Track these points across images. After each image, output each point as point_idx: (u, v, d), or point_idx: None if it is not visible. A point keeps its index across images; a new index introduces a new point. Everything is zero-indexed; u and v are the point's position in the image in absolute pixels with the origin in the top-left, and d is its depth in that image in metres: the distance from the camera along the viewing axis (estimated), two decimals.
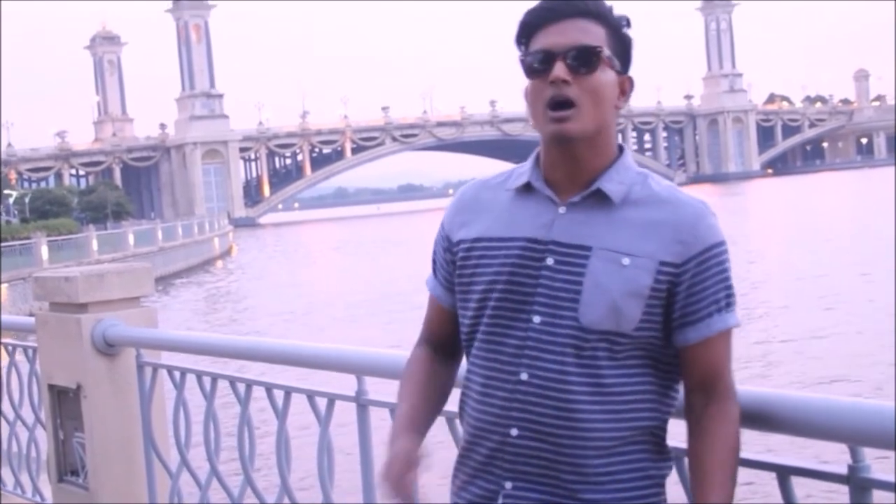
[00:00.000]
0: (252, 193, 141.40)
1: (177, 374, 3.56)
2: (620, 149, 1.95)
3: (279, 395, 3.04)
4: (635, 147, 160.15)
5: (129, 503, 3.80)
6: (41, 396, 4.17)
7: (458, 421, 2.09)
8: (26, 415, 4.45)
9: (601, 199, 1.88)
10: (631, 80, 1.95)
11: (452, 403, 2.10)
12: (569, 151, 1.89)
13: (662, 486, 1.91)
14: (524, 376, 1.86)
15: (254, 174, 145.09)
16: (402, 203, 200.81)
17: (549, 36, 1.88)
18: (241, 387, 3.21)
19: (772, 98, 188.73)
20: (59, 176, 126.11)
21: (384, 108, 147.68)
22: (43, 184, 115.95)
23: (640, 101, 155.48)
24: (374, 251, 55.34)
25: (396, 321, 23.35)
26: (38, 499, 4.44)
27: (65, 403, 3.95)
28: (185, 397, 3.54)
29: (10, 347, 4.58)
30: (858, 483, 1.80)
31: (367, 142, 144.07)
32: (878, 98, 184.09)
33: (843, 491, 1.82)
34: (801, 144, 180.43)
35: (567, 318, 1.84)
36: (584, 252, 1.85)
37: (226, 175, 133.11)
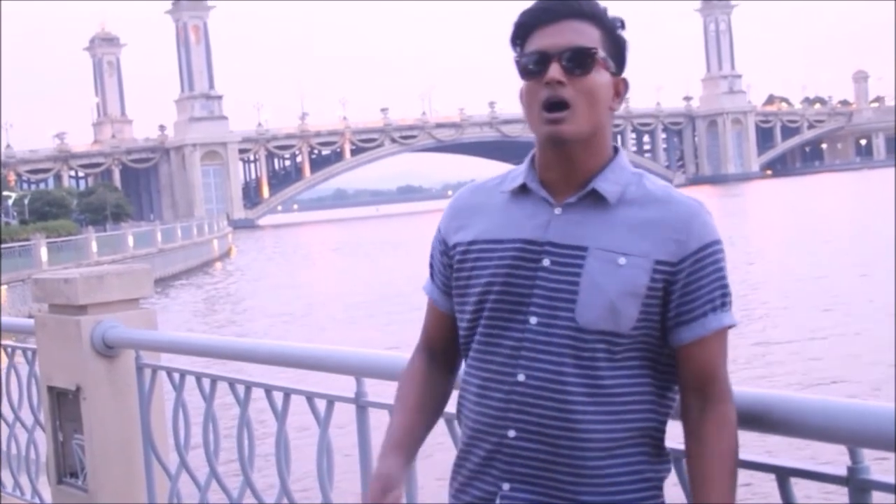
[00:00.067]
0: (251, 195, 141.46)
1: (176, 376, 3.56)
2: (615, 149, 1.96)
3: (278, 396, 3.05)
4: (634, 148, 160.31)
5: None
6: (40, 398, 4.17)
7: (457, 422, 2.09)
8: (26, 416, 4.45)
9: (597, 200, 1.89)
10: (625, 82, 1.95)
11: (452, 404, 2.10)
12: (564, 153, 1.89)
13: (660, 488, 1.90)
14: (521, 377, 1.86)
15: (253, 176, 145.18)
16: (401, 204, 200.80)
17: (544, 37, 1.89)
18: (241, 388, 3.21)
19: (771, 99, 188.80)
20: (58, 177, 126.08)
21: (383, 110, 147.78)
22: (42, 185, 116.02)
23: (639, 102, 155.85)
24: (374, 252, 55.34)
25: (395, 322, 23.36)
26: (37, 500, 4.44)
27: (64, 405, 3.95)
28: (185, 399, 3.54)
29: (9, 349, 4.58)
30: (858, 484, 1.80)
31: (366, 143, 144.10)
32: (877, 99, 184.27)
33: (842, 492, 1.82)
34: (800, 146, 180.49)
35: (564, 318, 1.84)
36: (580, 252, 1.86)
37: (225, 177, 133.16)
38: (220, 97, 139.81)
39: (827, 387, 14.13)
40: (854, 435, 1.77)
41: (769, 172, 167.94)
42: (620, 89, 1.94)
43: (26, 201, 70.62)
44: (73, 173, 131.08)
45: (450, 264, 2.02)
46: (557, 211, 1.90)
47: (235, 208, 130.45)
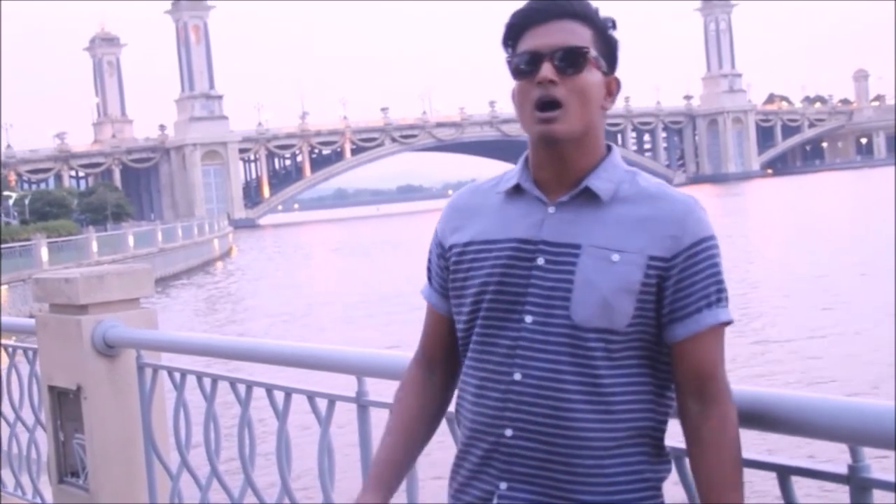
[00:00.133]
0: (252, 195, 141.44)
1: (177, 375, 3.56)
2: (609, 148, 1.96)
3: (279, 395, 3.05)
4: (635, 147, 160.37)
5: None
6: (41, 398, 4.17)
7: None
8: (27, 416, 4.45)
9: (590, 198, 1.89)
10: (617, 81, 1.96)
11: (453, 404, 2.10)
12: (556, 152, 1.90)
13: (659, 488, 1.90)
14: (517, 376, 1.86)
15: (253, 175, 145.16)
16: (401, 204, 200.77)
17: (536, 37, 1.90)
18: (242, 388, 3.21)
19: (771, 98, 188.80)
20: (58, 177, 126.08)
21: (383, 109, 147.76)
22: (42, 185, 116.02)
23: (639, 101, 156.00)
24: (374, 252, 55.35)
25: (396, 322, 23.35)
26: (38, 500, 4.44)
27: (65, 405, 3.95)
28: (186, 398, 3.54)
29: (10, 349, 4.59)
30: (859, 483, 1.79)
31: (366, 143, 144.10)
32: (878, 98, 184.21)
33: (843, 491, 1.82)
34: (800, 144, 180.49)
35: (559, 316, 1.85)
36: (573, 250, 1.86)
37: (225, 176, 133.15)
38: (220, 97, 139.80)
39: (826, 385, 14.13)
40: (855, 433, 1.77)
41: (770, 171, 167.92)
42: (612, 88, 1.95)
43: (27, 201, 70.62)
44: (73, 173, 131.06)
45: (447, 266, 2.03)
46: (551, 210, 1.91)
47: (236, 208, 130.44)
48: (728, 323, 1.86)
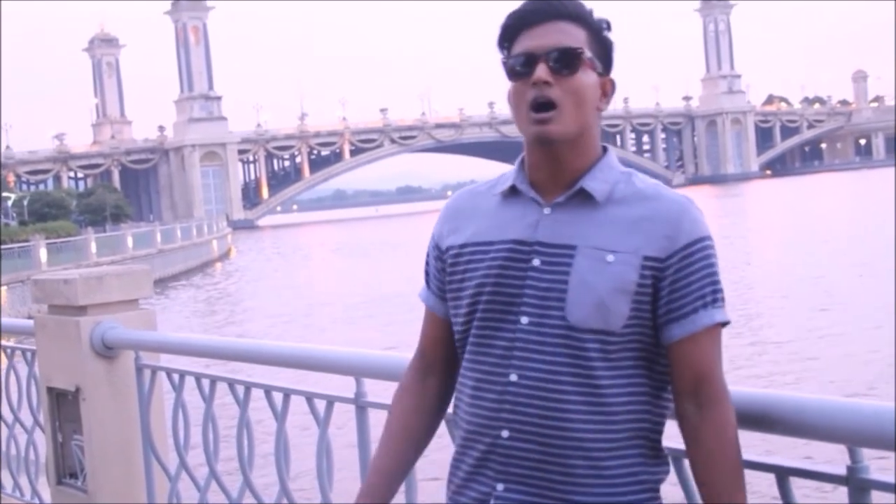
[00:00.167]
0: (251, 196, 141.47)
1: (175, 377, 3.56)
2: (604, 149, 1.96)
3: (278, 397, 3.05)
4: (634, 148, 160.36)
5: None
6: (40, 399, 4.17)
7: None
8: (25, 417, 4.45)
9: (585, 199, 1.89)
10: (612, 82, 1.96)
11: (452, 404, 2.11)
12: (552, 153, 1.90)
13: (657, 490, 1.89)
14: (513, 377, 1.86)
15: (252, 176, 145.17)
16: (400, 205, 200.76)
17: (531, 38, 1.90)
18: (240, 389, 3.21)
19: (770, 99, 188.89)
20: (57, 178, 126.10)
21: (382, 110, 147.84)
22: (41, 186, 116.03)
23: (638, 102, 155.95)
24: (373, 253, 55.34)
25: (395, 323, 23.35)
26: (36, 501, 4.44)
27: (63, 406, 3.95)
28: (184, 399, 3.54)
29: (8, 350, 4.58)
30: (857, 484, 1.79)
31: (365, 143, 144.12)
32: (877, 99, 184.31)
33: (841, 492, 1.82)
34: (799, 145, 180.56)
35: (555, 317, 1.85)
36: (569, 251, 1.86)
37: (224, 177, 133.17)
38: (219, 98, 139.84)
39: (824, 386, 14.13)
40: (854, 434, 1.77)
41: (768, 172, 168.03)
42: (607, 89, 1.95)
43: (25, 202, 70.62)
44: (72, 174, 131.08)
45: (444, 268, 2.03)
46: (546, 211, 1.91)
47: (235, 209, 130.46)
48: (724, 323, 1.86)
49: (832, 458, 1.92)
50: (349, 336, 22.80)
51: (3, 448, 4.68)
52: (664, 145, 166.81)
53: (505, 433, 1.86)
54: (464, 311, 1.96)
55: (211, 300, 37.58)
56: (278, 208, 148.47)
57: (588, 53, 1.89)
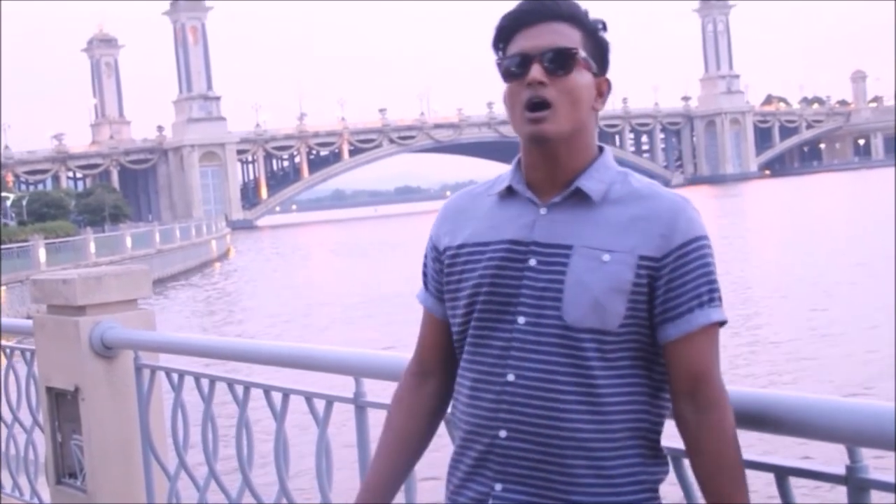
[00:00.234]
0: (249, 196, 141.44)
1: (175, 376, 3.56)
2: (601, 149, 1.97)
3: (277, 396, 3.04)
4: (633, 148, 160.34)
5: None
6: (39, 399, 4.17)
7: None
8: (24, 417, 4.45)
9: (581, 199, 1.89)
10: (608, 82, 1.97)
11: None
12: (547, 152, 1.90)
13: (656, 490, 1.89)
14: (511, 377, 1.86)
15: (251, 176, 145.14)
16: (399, 205, 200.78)
17: (525, 39, 1.91)
18: (240, 388, 3.21)
19: (769, 99, 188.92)
20: (56, 178, 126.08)
21: (381, 110, 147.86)
22: (40, 186, 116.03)
23: (637, 102, 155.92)
24: (372, 253, 55.34)
25: (394, 322, 23.36)
26: (36, 501, 4.44)
27: (63, 406, 3.95)
28: (183, 399, 3.54)
29: (7, 350, 4.58)
30: (856, 483, 1.79)
31: (364, 144, 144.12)
32: (876, 99, 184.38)
33: (840, 491, 1.82)
34: (798, 146, 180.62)
35: (551, 317, 1.85)
36: (565, 251, 1.86)
37: (223, 177, 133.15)
38: (218, 98, 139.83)
39: (822, 386, 14.13)
40: (854, 434, 1.77)
41: (767, 172, 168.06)
42: (603, 89, 1.95)
43: (24, 202, 70.57)
44: (71, 174, 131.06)
45: (441, 270, 2.03)
46: (543, 211, 1.91)
47: (234, 209, 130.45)
48: (721, 323, 1.86)
49: (831, 457, 1.92)
50: (348, 336, 22.80)
51: (3, 448, 4.68)
52: (663, 145, 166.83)
53: (503, 433, 1.86)
54: (461, 311, 1.96)
55: (210, 300, 37.58)
56: (277, 208, 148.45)
57: (582, 53, 1.90)
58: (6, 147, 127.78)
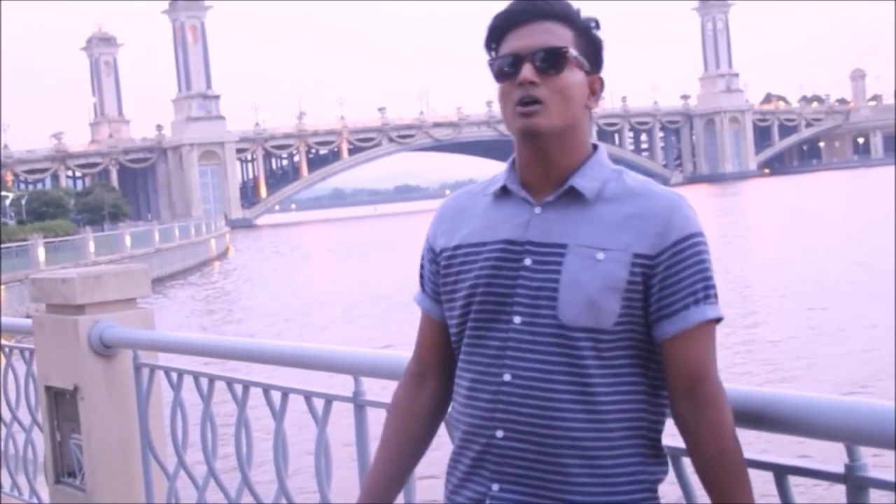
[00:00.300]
0: (249, 195, 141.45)
1: (174, 376, 3.56)
2: (595, 147, 1.97)
3: (276, 395, 3.04)
4: (632, 147, 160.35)
5: None
6: (38, 398, 4.16)
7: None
8: (23, 416, 4.45)
9: (575, 197, 1.89)
10: (601, 80, 1.97)
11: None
12: (539, 148, 1.90)
13: (655, 490, 1.88)
14: (507, 377, 1.86)
15: (250, 175, 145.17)
16: (398, 204, 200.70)
17: (517, 39, 1.91)
18: (239, 388, 3.21)
19: (768, 98, 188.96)
20: (55, 177, 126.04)
21: (381, 109, 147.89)
22: (39, 185, 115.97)
23: (636, 101, 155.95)
24: (371, 252, 55.33)
25: (393, 321, 23.38)
26: (35, 500, 4.43)
27: (62, 405, 3.94)
28: (182, 398, 3.54)
29: (6, 349, 4.58)
30: (855, 482, 1.79)
31: (363, 143, 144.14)
32: (875, 98, 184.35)
33: (839, 490, 1.82)
34: (797, 144, 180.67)
35: (546, 316, 1.85)
36: (559, 250, 1.86)
37: (222, 176, 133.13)
38: (217, 97, 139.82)
39: (821, 384, 14.14)
40: (854, 433, 1.77)
41: (767, 171, 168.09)
42: (596, 87, 1.95)
43: (23, 201, 70.53)
44: (70, 173, 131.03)
45: (438, 271, 2.03)
46: (537, 210, 1.91)
47: (233, 208, 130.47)
48: (718, 320, 1.85)
49: (830, 456, 1.92)
50: (347, 335, 22.80)
51: (2, 447, 4.68)
52: (662, 144, 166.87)
53: (499, 433, 1.86)
54: (458, 312, 1.96)
55: (209, 299, 37.58)
56: (276, 207, 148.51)
57: (573, 52, 1.90)
58: (5, 146, 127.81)
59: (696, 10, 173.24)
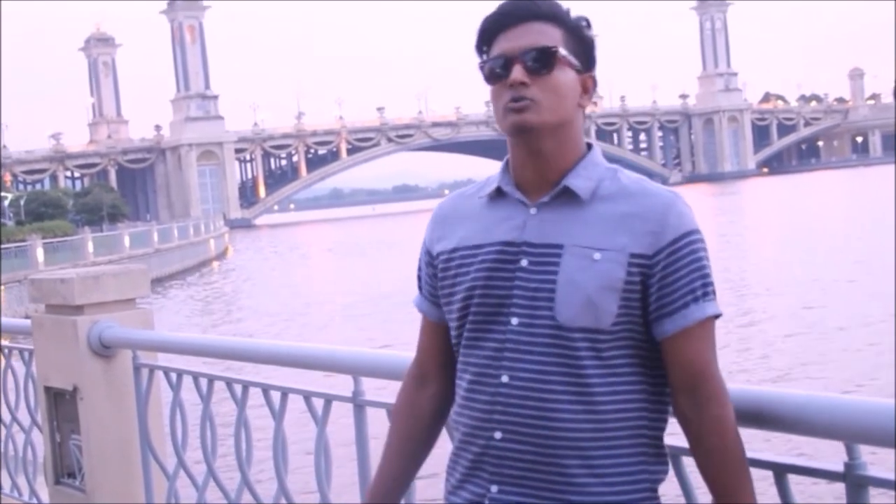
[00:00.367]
0: (248, 195, 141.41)
1: (173, 376, 3.56)
2: (589, 146, 1.96)
3: (276, 395, 3.04)
4: (631, 147, 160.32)
5: None
6: (37, 399, 4.16)
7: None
8: (23, 417, 4.44)
9: (570, 197, 1.89)
10: (594, 79, 1.96)
11: None
12: (532, 146, 1.90)
13: (655, 490, 1.88)
14: (505, 378, 1.86)
15: (249, 175, 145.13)
16: (397, 204, 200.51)
17: (507, 41, 1.91)
18: (238, 388, 3.21)
19: (767, 97, 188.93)
20: (54, 178, 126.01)
21: (379, 109, 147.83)
22: (38, 186, 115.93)
23: (635, 100, 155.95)
24: (370, 252, 55.32)
25: (392, 321, 23.37)
26: (34, 501, 4.43)
27: (61, 406, 3.94)
28: (182, 398, 3.54)
29: (6, 350, 4.58)
30: (855, 480, 1.79)
31: (362, 142, 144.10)
32: (874, 96, 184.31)
33: (839, 488, 1.82)
34: (796, 143, 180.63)
35: (544, 317, 1.85)
36: (556, 251, 1.86)
37: (221, 176, 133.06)
38: (216, 97, 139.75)
39: (821, 383, 14.14)
40: (854, 432, 1.77)
41: (765, 170, 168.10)
42: (588, 86, 1.95)
43: (22, 202, 70.50)
44: (69, 174, 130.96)
45: (436, 274, 2.03)
46: (532, 211, 1.91)
47: (232, 208, 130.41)
48: (716, 316, 1.85)
49: (829, 454, 1.92)
50: (346, 335, 22.80)
51: (2, 448, 4.68)
52: (661, 143, 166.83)
53: (498, 434, 1.86)
54: (456, 314, 1.96)
55: (208, 299, 37.57)
56: (275, 207, 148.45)
57: (563, 51, 1.90)
58: (4, 147, 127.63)
59: (694, 10, 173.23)
